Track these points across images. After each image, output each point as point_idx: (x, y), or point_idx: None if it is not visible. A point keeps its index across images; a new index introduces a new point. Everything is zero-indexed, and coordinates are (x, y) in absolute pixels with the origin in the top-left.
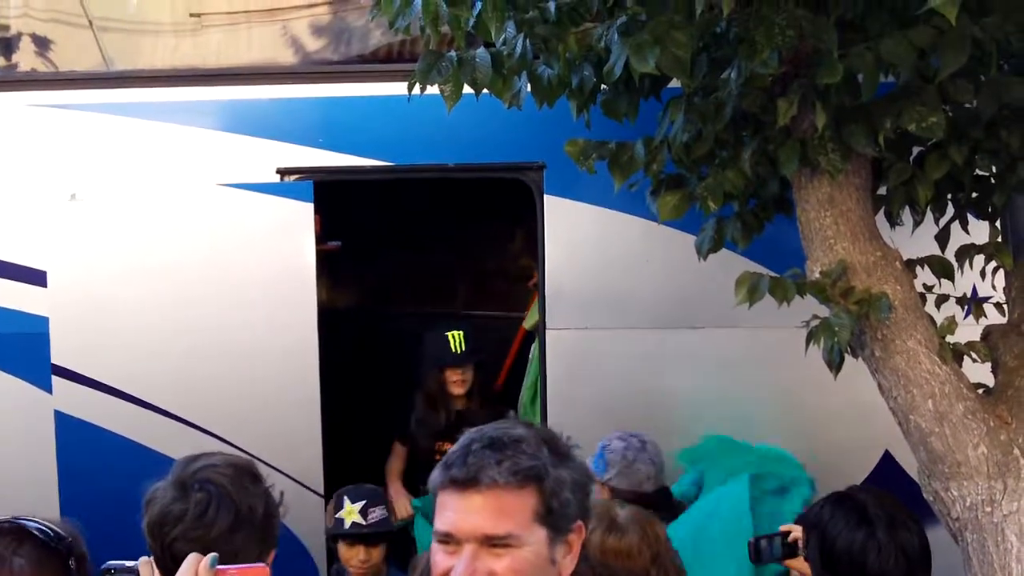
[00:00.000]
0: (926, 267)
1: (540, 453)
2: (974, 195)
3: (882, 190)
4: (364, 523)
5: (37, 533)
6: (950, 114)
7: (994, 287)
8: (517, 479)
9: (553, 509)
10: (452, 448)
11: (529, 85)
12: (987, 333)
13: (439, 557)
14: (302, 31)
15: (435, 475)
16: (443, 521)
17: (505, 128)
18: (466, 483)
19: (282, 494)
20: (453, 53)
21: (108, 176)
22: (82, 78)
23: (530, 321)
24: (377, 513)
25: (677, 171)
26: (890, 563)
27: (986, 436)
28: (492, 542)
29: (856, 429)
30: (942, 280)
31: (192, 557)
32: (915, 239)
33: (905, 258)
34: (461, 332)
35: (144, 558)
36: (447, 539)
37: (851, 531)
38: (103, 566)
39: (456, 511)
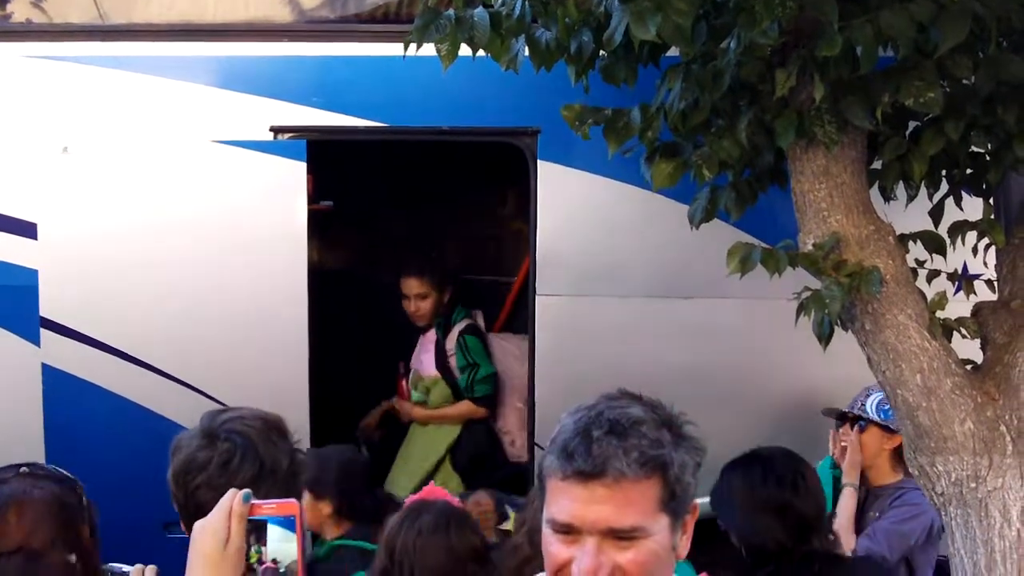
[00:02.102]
0: (918, 242)
1: (662, 437)
2: (969, 171)
3: (877, 164)
4: None
5: (51, 471)
6: (947, 90)
7: (985, 264)
8: (645, 470)
9: (676, 495)
10: (562, 428)
11: (527, 48)
12: (977, 309)
13: (555, 548)
14: None
15: (551, 462)
16: (562, 511)
17: (500, 92)
18: (591, 475)
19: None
20: (451, 12)
21: (101, 130)
22: (77, 30)
23: None
24: None
25: (672, 139)
26: None
27: (973, 412)
28: (617, 535)
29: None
30: (934, 256)
31: (229, 493)
32: (908, 214)
33: (898, 232)
34: None
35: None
36: (567, 530)
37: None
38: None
39: (578, 501)
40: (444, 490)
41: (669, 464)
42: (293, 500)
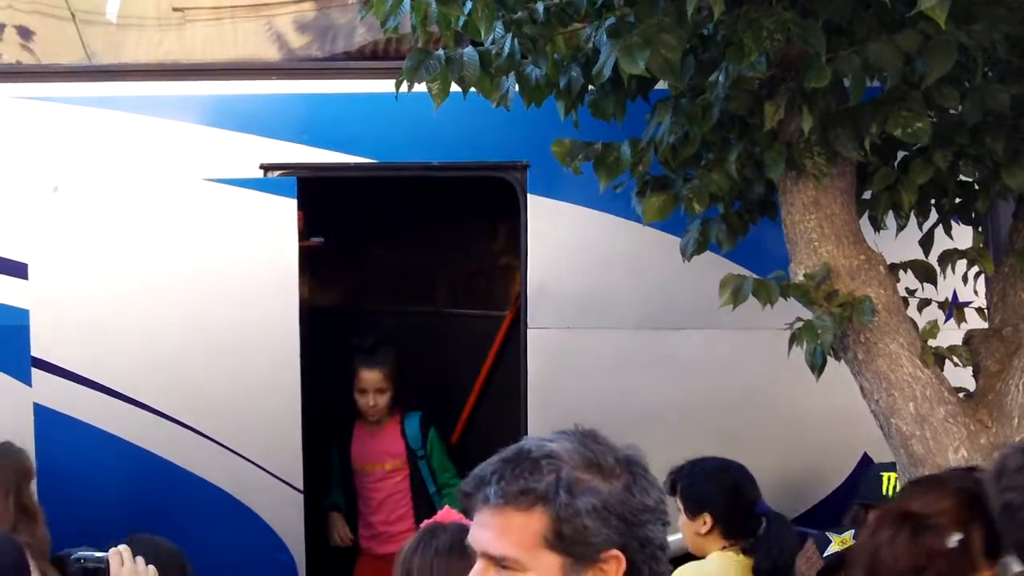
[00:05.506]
0: (909, 271)
1: (568, 475)
2: (957, 200)
3: (867, 194)
4: None
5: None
6: (935, 120)
7: (976, 292)
8: (517, 501)
9: (565, 535)
10: None
11: (517, 85)
12: (969, 337)
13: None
14: (287, 27)
15: None
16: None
17: (489, 127)
18: (468, 495)
19: None
20: (441, 51)
21: (91, 170)
22: (66, 71)
23: None
24: None
25: (663, 173)
26: None
27: (967, 440)
28: (495, 562)
29: (835, 431)
30: (925, 284)
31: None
32: (898, 243)
33: (889, 262)
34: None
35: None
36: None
37: None
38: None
39: (474, 523)
40: (459, 513)
41: (550, 500)
42: None
